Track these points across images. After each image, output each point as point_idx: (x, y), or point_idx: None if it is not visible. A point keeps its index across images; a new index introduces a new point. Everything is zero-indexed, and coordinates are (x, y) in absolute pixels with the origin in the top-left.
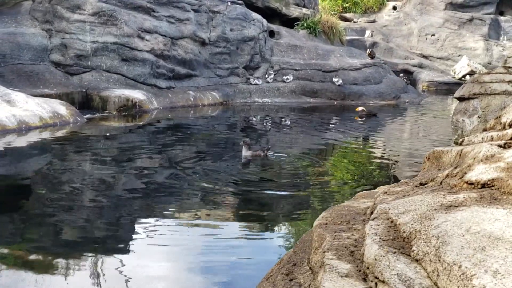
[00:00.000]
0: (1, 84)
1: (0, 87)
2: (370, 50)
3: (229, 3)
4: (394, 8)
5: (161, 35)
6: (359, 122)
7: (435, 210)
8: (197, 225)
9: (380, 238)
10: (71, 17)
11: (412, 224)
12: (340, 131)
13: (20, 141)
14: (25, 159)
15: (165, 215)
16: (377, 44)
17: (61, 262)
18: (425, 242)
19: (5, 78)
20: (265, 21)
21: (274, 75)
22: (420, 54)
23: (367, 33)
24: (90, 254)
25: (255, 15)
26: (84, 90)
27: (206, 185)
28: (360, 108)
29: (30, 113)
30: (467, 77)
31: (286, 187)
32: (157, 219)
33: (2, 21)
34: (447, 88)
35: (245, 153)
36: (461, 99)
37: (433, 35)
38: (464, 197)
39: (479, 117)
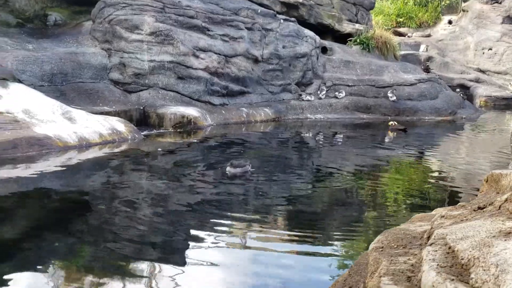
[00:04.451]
0: (62, 102)
1: (62, 105)
2: (425, 64)
3: (282, 21)
4: (450, 22)
5: (216, 53)
6: (387, 137)
7: (493, 236)
8: (248, 242)
9: (438, 265)
10: (130, 37)
11: (470, 251)
12: (394, 147)
13: (81, 157)
14: (85, 175)
15: (217, 231)
16: (432, 59)
17: (117, 274)
18: (484, 270)
19: (67, 96)
20: (317, 38)
21: (327, 91)
22: (477, 69)
23: (422, 47)
24: (145, 268)
25: (307, 31)
26: (141, 108)
27: (258, 201)
28: (391, 122)
29: (90, 130)
30: None
31: (339, 206)
32: (210, 234)
33: (64, 41)
34: (505, 103)
35: (233, 170)
36: None
37: (490, 49)
38: None
39: None
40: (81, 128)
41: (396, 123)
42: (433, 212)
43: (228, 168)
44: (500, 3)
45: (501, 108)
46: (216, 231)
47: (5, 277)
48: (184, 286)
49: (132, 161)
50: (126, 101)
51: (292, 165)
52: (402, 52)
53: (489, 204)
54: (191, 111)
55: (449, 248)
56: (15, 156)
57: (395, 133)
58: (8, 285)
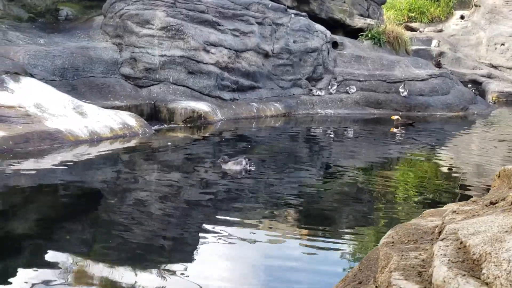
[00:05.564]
0: (74, 96)
1: (73, 99)
2: (437, 58)
3: (292, 15)
4: (462, 17)
5: (226, 48)
6: (396, 132)
7: (506, 232)
8: (259, 237)
9: (449, 260)
10: (141, 32)
11: (482, 246)
12: (405, 143)
13: (92, 152)
14: (96, 169)
15: (227, 226)
16: (444, 54)
17: (128, 267)
18: (496, 266)
19: (78, 90)
20: (328, 32)
21: (337, 86)
22: (489, 64)
23: (434, 42)
24: (155, 262)
25: (318, 26)
26: (152, 102)
27: (268, 196)
28: (395, 117)
29: (102, 124)
30: None
31: (349, 201)
32: (220, 229)
33: (75, 36)
34: None
35: (229, 167)
36: None
37: (503, 44)
38: None
39: None
40: (92, 123)
41: (400, 118)
42: (445, 207)
43: (223, 166)
44: None
45: None
46: (225, 225)
47: (17, 269)
48: (194, 279)
49: (142, 155)
50: (137, 96)
51: (302, 161)
52: (414, 47)
53: (501, 200)
54: (202, 106)
55: (461, 243)
56: (27, 150)
57: (400, 129)
58: (19, 278)
